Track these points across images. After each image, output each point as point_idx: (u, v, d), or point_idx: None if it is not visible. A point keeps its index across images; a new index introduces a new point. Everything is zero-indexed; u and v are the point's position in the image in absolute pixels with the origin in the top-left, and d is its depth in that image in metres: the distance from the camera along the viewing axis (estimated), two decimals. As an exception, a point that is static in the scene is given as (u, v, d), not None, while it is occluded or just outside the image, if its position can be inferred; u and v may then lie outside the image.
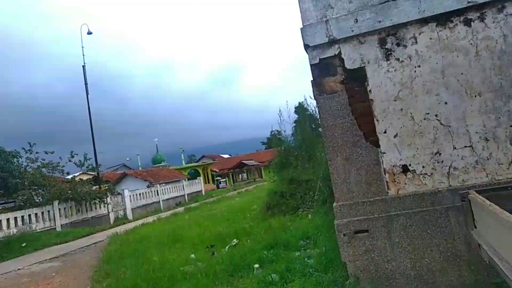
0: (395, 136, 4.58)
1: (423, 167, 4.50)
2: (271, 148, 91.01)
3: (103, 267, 10.09)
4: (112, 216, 26.78)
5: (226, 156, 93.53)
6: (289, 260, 6.34)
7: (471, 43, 4.34)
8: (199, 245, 10.30)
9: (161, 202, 33.27)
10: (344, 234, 4.67)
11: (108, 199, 25.72)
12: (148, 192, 32.31)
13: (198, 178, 44.96)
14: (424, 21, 4.48)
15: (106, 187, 25.88)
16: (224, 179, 65.44)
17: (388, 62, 4.61)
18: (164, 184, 35.92)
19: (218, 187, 57.50)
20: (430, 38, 4.47)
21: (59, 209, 22.12)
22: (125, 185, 35.56)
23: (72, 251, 14.66)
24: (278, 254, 6.94)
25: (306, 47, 4.88)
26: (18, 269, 12.36)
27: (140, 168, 59.95)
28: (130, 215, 28.22)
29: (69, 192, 22.88)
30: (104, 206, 25.95)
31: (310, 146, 15.76)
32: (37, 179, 21.92)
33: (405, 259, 4.46)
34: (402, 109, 4.56)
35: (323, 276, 4.96)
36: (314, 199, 6.89)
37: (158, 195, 33.30)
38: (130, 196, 28.97)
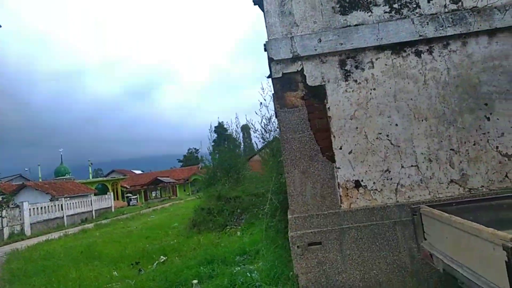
0: (349, 153, 4.82)
1: (373, 183, 4.77)
2: (187, 166, 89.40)
3: (6, 287, 8.82)
4: (6, 231, 23.80)
5: (138, 172, 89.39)
6: (230, 275, 6.17)
7: (420, 72, 4.80)
8: (120, 262, 9.62)
9: (65, 217, 30.50)
10: (298, 246, 4.71)
11: (4, 212, 22.84)
12: (51, 206, 29.42)
13: (108, 193, 42.15)
14: (381, 48, 4.86)
15: (1, 199, 22.92)
16: (136, 196, 62.34)
17: (347, 82, 4.88)
18: (69, 198, 33.01)
19: (129, 204, 54.53)
20: (385, 64, 4.85)
21: None
22: (23, 197, 31.88)
23: (-42, 270, 12.60)
24: (216, 270, 6.72)
25: (270, 60, 4.96)
26: None
27: (40, 180, 54.49)
28: (28, 231, 25.34)
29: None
30: (-2, 220, 23.00)
31: (236, 164, 15.90)
32: None
33: (355, 271, 4.63)
34: (357, 128, 4.83)
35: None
36: (264, 212, 6.86)
37: (62, 209, 30.52)
38: (30, 209, 26.08)
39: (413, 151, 4.75)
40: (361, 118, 4.83)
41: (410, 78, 4.82)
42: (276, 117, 5.36)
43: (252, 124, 19.93)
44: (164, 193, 69.32)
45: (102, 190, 52.09)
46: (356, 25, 4.91)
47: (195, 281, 6.27)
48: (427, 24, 4.81)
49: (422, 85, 4.79)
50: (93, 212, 34.91)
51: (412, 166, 4.74)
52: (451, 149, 4.72)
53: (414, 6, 4.90)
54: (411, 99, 4.79)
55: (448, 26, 4.78)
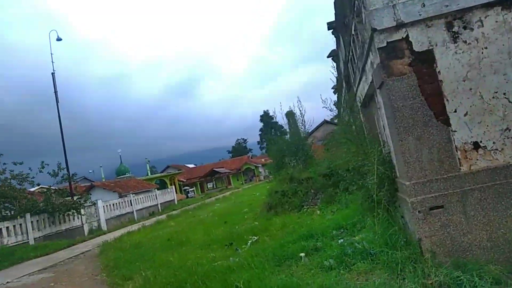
0: (465, 115, 4.79)
1: (493, 143, 4.73)
2: (238, 156, 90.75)
3: (113, 273, 9.59)
4: (86, 228, 25.56)
5: (191, 165, 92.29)
6: (337, 246, 6.36)
7: (535, 25, 4.65)
8: (212, 245, 10.08)
9: (134, 212, 32.20)
10: (419, 211, 4.78)
11: (83, 210, 24.53)
12: (122, 202, 31.14)
13: (170, 187, 43.93)
14: (489, 5, 4.75)
15: (80, 198, 24.61)
16: (193, 189, 64.51)
17: (456, 44, 4.83)
18: (135, 195, 34.78)
19: (187, 196, 56.55)
20: (496, 21, 4.74)
21: (32, 222, 20.80)
22: (94, 196, 34.05)
23: (61, 262, 13.83)
24: (319, 243, 6.94)
25: (373, 30, 4.99)
26: (7, 282, 11.47)
27: (103, 180, 57.72)
28: (104, 226, 27.07)
29: (41, 204, 21.60)
30: (78, 218, 24.74)
31: (303, 146, 16.08)
32: (6, 191, 20.51)
33: (481, 231, 4.64)
34: (471, 89, 4.78)
35: (395, 253, 5.03)
36: (362, 185, 6.96)
37: (131, 205, 32.22)
38: (103, 206, 27.81)
39: (534, 107, 4.64)
40: (474, 79, 4.77)
41: (524, 32, 4.68)
42: (378, 88, 5.39)
43: (299, 108, 19.96)
44: (219, 183, 71.24)
45: (161, 185, 54.37)
46: (461, -15, 4.82)
47: (302, 254, 6.53)
48: (539, -26, 4.63)
49: (538, 38, 4.65)
50: (159, 206, 36.54)
51: (534, 122, 4.64)
52: None
53: (522, -43, 4.73)
54: (527, 53, 4.66)
55: None
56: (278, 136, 20.16)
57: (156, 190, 39.99)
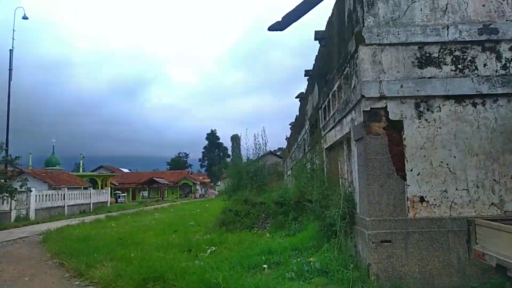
0: (418, 174, 6.29)
1: (434, 199, 6.25)
2: (176, 169, 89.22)
3: (70, 260, 9.86)
4: (13, 214, 24.46)
5: (125, 170, 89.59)
6: (296, 264, 7.49)
7: (475, 119, 6.35)
8: (169, 249, 10.72)
9: (66, 207, 31.14)
10: (372, 242, 6.12)
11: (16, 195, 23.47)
12: (55, 194, 30.04)
13: (105, 188, 42.72)
14: (447, 97, 6.39)
15: (18, 182, 23.54)
16: (124, 194, 62.76)
17: (420, 120, 6.38)
18: (69, 189, 33.58)
19: (116, 201, 54.94)
20: (449, 110, 6.38)
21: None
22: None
23: (-3, 244, 13.52)
24: (280, 259, 8.04)
25: (362, 96, 6.41)
26: None
27: (31, 168, 54.39)
28: (32, 216, 26.01)
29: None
30: (7, 203, 23.64)
31: (260, 173, 17.33)
32: None
33: (415, 265, 6.07)
34: (425, 156, 6.32)
35: (348, 273, 6.29)
36: (316, 215, 8.22)
37: (64, 199, 31.12)
38: (36, 196, 26.72)
39: (465, 178, 6.26)
40: (428, 149, 6.33)
41: (467, 122, 6.35)
42: (356, 140, 6.79)
43: (262, 137, 21.35)
44: (153, 193, 69.79)
45: (91, 185, 52.48)
46: (429, 77, 6.43)
47: (265, 266, 7.59)
48: (483, 83, 6.37)
49: (475, 129, 6.33)
50: (91, 205, 35.51)
51: (464, 189, 6.25)
52: (493, 180, 6.25)
53: (474, 68, 6.46)
54: (467, 138, 6.32)
55: (498, 87, 6.35)
56: (238, 160, 21.27)
57: (91, 188, 38.83)
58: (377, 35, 6.45)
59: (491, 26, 6.43)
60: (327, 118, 10.06)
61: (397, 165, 6.31)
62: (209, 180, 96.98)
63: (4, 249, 12.62)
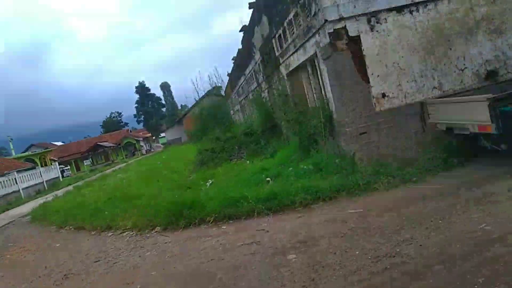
0: (377, 77, 7.93)
1: (392, 93, 8.00)
2: (114, 131, 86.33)
3: (80, 223, 10.77)
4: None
5: (59, 143, 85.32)
6: (290, 172, 9.14)
7: (413, 23, 7.98)
8: (172, 190, 11.86)
9: (21, 190, 30.29)
10: (354, 135, 7.84)
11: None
12: (6, 180, 29.01)
13: (53, 164, 41.42)
14: (389, 10, 7.89)
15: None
16: (67, 167, 60.83)
17: (372, 33, 7.88)
18: (18, 172, 32.41)
19: (63, 175, 53.37)
20: (393, 19, 7.93)
21: None
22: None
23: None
24: (275, 173, 9.65)
25: (325, 21, 7.71)
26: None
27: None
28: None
29: None
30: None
31: (224, 112, 18.53)
32: None
33: (387, 146, 7.93)
34: (380, 61, 7.93)
35: (337, 164, 8.04)
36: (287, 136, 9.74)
37: (16, 183, 30.19)
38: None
39: (412, 72, 8.02)
40: (382, 55, 7.93)
41: (407, 27, 7.97)
42: (325, 59, 8.20)
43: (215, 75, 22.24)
44: (98, 160, 68.00)
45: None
46: (375, -4, 7.84)
47: (268, 179, 9.17)
48: (415, -7, 7.92)
49: (414, 31, 7.99)
50: (45, 184, 34.67)
51: (412, 81, 8.03)
52: (432, 69, 8.08)
53: (406, -18, 7.94)
54: (409, 40, 7.99)
55: (426, -6, 7.95)
56: (201, 105, 22.08)
57: (39, 167, 37.62)
58: (329, -34, 7.62)
59: None
60: (285, 46, 11.29)
61: (361, 72, 7.88)
62: (150, 134, 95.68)
63: (5, 233, 13.04)
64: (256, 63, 16.95)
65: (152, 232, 8.51)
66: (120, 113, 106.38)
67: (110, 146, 58.91)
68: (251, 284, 4.69)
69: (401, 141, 7.97)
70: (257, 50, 16.04)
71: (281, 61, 12.18)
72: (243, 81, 22.53)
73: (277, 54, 12.47)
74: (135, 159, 55.28)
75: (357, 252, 4.80)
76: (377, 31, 7.90)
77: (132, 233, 8.90)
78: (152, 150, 79.97)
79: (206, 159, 15.36)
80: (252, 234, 6.59)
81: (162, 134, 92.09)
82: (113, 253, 7.78)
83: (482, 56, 8.22)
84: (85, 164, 66.24)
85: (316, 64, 9.24)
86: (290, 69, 11.33)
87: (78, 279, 6.69)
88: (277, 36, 11.93)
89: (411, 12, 7.98)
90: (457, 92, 7.95)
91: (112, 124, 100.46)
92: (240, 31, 17.59)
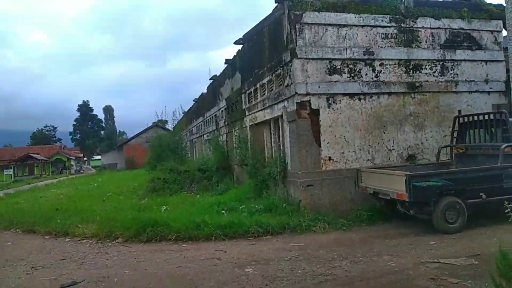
0: (327, 143, 9.99)
1: (336, 158, 10.05)
2: (43, 145, 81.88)
3: (30, 226, 11.21)
4: None
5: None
6: (242, 209, 10.64)
7: (359, 108, 10.27)
8: (126, 211, 12.70)
9: None
10: (302, 186, 9.67)
11: None
12: None
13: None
14: (344, 94, 10.15)
15: None
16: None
17: (329, 109, 10.03)
18: None
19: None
20: (346, 102, 10.17)
21: None
22: None
23: None
24: (229, 207, 11.08)
25: (295, 93, 9.74)
26: None
27: None
28: None
29: None
30: None
31: (180, 146, 19.76)
32: None
33: (326, 199, 9.82)
34: (332, 132, 10.03)
35: (285, 208, 9.75)
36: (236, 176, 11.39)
37: None
38: None
39: (354, 145, 10.19)
40: (333, 127, 10.05)
41: (355, 110, 10.25)
42: (290, 122, 10.14)
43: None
44: (20, 172, 63.69)
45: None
46: (335, 81, 10.08)
47: (223, 211, 10.57)
48: (364, 86, 10.30)
49: (360, 114, 10.28)
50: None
51: (353, 151, 10.19)
52: (368, 145, 10.33)
53: (360, 76, 10.32)
54: (355, 120, 10.23)
55: (374, 88, 10.36)
56: (160, 134, 23.01)
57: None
58: (305, 52, 9.81)
59: (370, 49, 10.35)
60: (253, 102, 13.23)
61: (315, 137, 9.89)
62: (82, 155, 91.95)
63: None
64: (219, 109, 18.76)
65: (114, 242, 9.43)
66: (56, 127, 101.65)
67: (42, 160, 55.99)
68: (218, 285, 6.03)
69: (338, 197, 9.92)
70: (223, 99, 17.91)
71: (247, 113, 14.05)
72: (201, 121, 24.17)
73: (244, 107, 14.36)
74: (63, 177, 52.94)
75: (299, 271, 6.38)
76: (332, 108, 10.07)
77: (92, 241, 9.69)
78: (82, 172, 76.60)
79: (158, 187, 16.33)
80: (212, 252, 7.91)
81: (97, 157, 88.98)
82: (78, 255, 8.53)
83: (406, 142, 10.66)
84: (5, 173, 61.79)
85: (280, 123, 11.19)
86: (256, 122, 13.20)
87: (49, 271, 7.42)
88: (247, 92, 13.89)
89: (359, 99, 10.30)
90: (384, 166, 10.20)
91: (44, 137, 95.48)
92: (210, 79, 19.56)
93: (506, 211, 4.39)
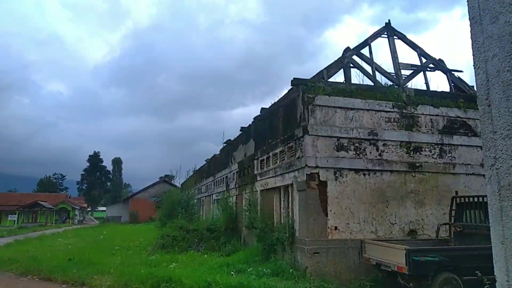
0: (334, 213, 10.79)
1: (342, 228, 10.79)
2: (50, 192, 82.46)
3: (48, 274, 11.78)
4: None
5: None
6: (250, 271, 11.20)
7: (364, 182, 11.18)
8: (138, 266, 13.26)
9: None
10: (309, 253, 10.33)
11: None
12: None
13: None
14: (350, 169, 11.13)
15: None
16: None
17: (336, 181, 10.96)
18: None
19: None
20: (352, 177, 11.12)
21: None
22: None
23: None
24: (238, 269, 11.64)
25: (306, 165, 10.74)
26: None
27: None
28: None
29: None
30: None
31: (191, 204, 20.54)
32: None
33: (331, 267, 10.42)
34: (338, 203, 10.88)
35: (292, 273, 10.32)
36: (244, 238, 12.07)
37: None
38: None
39: (358, 216, 10.97)
40: (340, 199, 10.91)
41: (360, 184, 11.16)
42: (300, 191, 11.03)
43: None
44: (25, 219, 63.75)
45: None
46: (342, 157, 11.12)
47: (233, 273, 11.12)
48: (369, 163, 11.30)
49: (365, 188, 11.17)
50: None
51: (357, 223, 10.94)
52: (372, 218, 11.10)
53: (365, 154, 11.37)
54: (360, 193, 11.10)
55: (377, 165, 11.35)
56: (169, 192, 23.90)
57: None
58: (316, 130, 10.97)
59: (374, 131, 11.50)
60: (265, 169, 14.24)
61: (323, 207, 10.72)
62: (86, 205, 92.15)
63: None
64: (231, 171, 19.78)
65: (130, 294, 10.00)
66: (64, 176, 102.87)
67: (48, 208, 56.42)
68: None
69: (343, 265, 10.51)
70: (235, 162, 18.98)
71: (258, 178, 15.00)
72: (211, 181, 25.09)
73: (256, 172, 15.36)
74: (67, 226, 52.97)
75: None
76: (339, 181, 11.01)
77: (110, 291, 10.28)
78: (85, 222, 76.43)
79: (167, 244, 16.88)
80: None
81: (101, 208, 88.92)
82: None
83: (408, 217, 11.42)
84: (9, 219, 61.94)
85: (290, 190, 12.10)
86: (266, 187, 14.11)
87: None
88: (260, 159, 14.96)
89: (364, 174, 11.26)
90: (387, 238, 10.88)
91: (51, 184, 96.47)
92: (224, 143, 20.86)
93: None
